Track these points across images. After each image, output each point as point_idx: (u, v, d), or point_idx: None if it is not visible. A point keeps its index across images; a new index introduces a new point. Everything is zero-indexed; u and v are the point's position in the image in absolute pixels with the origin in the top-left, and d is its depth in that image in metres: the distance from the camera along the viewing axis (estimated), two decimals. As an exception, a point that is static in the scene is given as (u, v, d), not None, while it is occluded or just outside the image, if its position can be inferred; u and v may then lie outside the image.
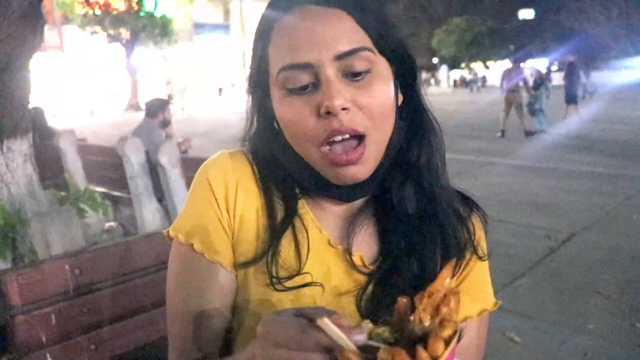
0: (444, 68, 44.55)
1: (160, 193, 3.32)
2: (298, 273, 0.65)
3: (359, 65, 0.61)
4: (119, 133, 5.13)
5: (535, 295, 3.18)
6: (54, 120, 9.43)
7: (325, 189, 0.67)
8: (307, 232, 0.68)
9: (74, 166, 3.71)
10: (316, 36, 0.60)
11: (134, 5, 22.85)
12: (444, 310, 0.41)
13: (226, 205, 0.68)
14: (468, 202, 0.75)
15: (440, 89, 32.07)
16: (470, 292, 0.71)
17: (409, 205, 0.68)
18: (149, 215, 3.24)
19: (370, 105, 0.61)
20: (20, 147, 2.39)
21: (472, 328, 0.71)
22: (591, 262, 3.67)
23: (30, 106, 2.51)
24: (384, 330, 0.44)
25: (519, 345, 2.62)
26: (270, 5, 0.66)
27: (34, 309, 1.29)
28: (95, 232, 2.99)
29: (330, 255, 0.68)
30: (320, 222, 0.70)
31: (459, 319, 0.68)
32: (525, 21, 50.15)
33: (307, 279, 0.66)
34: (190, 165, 3.15)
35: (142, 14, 23.10)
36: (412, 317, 0.44)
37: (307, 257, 0.66)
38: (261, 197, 0.69)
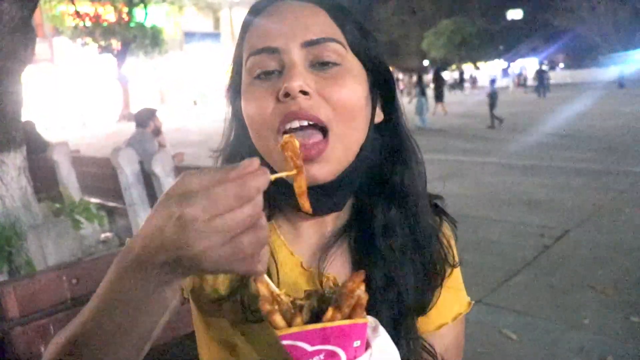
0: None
1: (154, 202, 3.32)
2: None
3: (327, 55, 0.60)
4: (113, 144, 5.12)
5: (530, 292, 3.20)
6: (47, 132, 9.41)
7: (290, 197, 0.63)
8: (274, 257, 0.65)
9: (69, 178, 3.71)
10: (287, 24, 0.60)
11: (124, 16, 22.88)
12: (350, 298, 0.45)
13: None
14: (436, 209, 0.73)
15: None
16: (444, 301, 0.70)
17: (394, 238, 0.65)
18: (145, 225, 3.25)
19: (334, 97, 0.59)
20: (14, 161, 2.39)
21: (450, 330, 0.72)
22: (585, 258, 3.70)
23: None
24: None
25: (516, 342, 2.64)
26: (249, 10, 0.67)
27: (31, 320, 1.29)
28: (91, 243, 3.00)
29: (303, 278, 0.66)
30: (293, 244, 0.68)
31: (433, 328, 0.70)
32: (513, 21, 50.59)
33: None
34: (184, 174, 3.16)
35: (132, 24, 23.12)
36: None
37: (277, 283, 0.63)
38: None
